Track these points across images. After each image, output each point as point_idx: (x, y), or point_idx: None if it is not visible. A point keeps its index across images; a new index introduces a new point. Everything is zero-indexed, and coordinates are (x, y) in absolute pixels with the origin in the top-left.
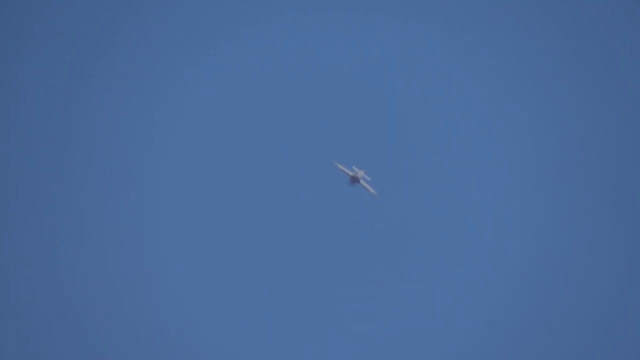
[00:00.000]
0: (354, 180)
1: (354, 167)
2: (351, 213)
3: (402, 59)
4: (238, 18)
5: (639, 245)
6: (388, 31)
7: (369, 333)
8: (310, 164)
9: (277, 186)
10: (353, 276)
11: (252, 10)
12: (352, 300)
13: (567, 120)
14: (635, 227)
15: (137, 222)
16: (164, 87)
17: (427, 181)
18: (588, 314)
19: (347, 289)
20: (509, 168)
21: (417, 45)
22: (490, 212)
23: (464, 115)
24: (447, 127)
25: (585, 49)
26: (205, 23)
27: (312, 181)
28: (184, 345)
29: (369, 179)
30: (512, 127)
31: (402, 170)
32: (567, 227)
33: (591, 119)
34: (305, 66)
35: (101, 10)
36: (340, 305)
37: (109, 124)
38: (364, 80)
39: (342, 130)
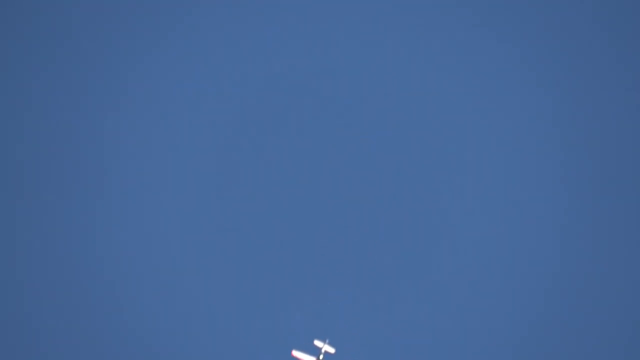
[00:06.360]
0: None
1: (315, 343)
2: (349, 214)
3: (398, 58)
4: (235, 18)
5: None
6: (384, 31)
7: (370, 330)
8: (306, 166)
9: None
10: (351, 276)
11: (250, 10)
12: (350, 305)
13: (569, 117)
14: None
15: (136, 221)
16: (161, 87)
17: (428, 182)
18: (590, 314)
19: (344, 289)
20: (512, 169)
21: (415, 46)
22: (493, 213)
23: (463, 115)
24: (446, 128)
25: (586, 45)
26: (201, 23)
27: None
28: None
29: (332, 352)
30: (513, 127)
31: (401, 170)
32: (569, 227)
33: (593, 115)
34: (301, 67)
35: (99, 9)
36: (339, 309)
37: (107, 123)
38: (360, 80)
39: (340, 132)
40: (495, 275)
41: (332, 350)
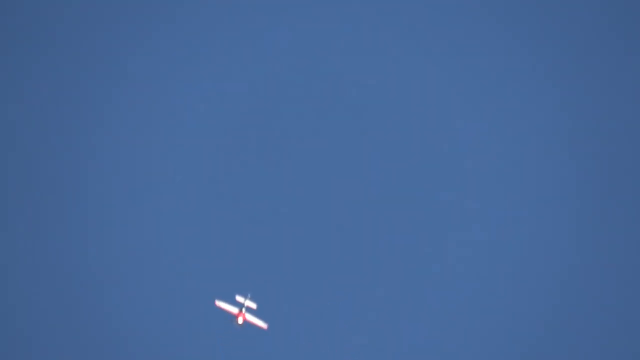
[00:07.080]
0: (237, 319)
1: (237, 299)
2: (350, 215)
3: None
4: (234, 19)
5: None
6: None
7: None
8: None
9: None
10: (351, 277)
11: (249, 11)
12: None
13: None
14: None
15: (137, 220)
16: (161, 88)
17: (433, 182)
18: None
19: (345, 289)
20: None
21: (413, 49)
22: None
23: (462, 117)
24: (446, 130)
25: (586, 46)
26: (200, 24)
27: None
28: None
29: (254, 308)
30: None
31: (402, 173)
32: (569, 228)
33: (591, 114)
34: (300, 70)
35: (99, 10)
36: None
37: (105, 123)
38: (365, 81)
39: (342, 132)
40: (501, 277)
41: (253, 305)
